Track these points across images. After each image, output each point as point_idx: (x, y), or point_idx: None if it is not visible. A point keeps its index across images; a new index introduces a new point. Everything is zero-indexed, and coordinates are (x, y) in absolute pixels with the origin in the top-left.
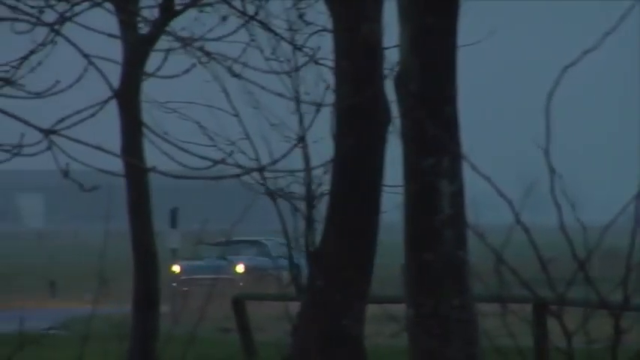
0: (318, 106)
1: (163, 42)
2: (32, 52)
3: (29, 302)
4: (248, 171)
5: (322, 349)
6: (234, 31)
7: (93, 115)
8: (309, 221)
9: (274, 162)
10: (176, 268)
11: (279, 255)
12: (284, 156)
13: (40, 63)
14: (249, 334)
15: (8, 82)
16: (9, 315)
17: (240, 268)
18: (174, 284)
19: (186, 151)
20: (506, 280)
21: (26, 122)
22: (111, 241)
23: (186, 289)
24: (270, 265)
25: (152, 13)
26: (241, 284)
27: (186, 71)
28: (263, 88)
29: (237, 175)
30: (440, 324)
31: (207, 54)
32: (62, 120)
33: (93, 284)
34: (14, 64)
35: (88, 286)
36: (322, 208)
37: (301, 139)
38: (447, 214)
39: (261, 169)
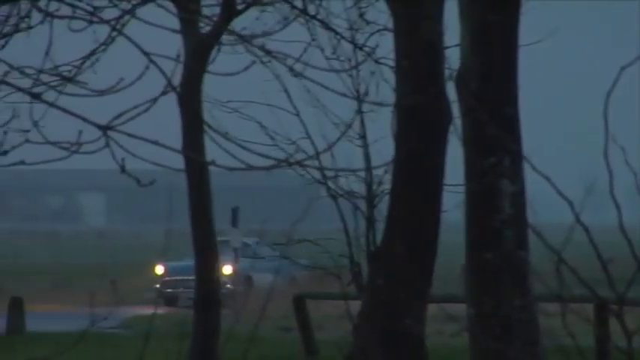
0: (379, 105)
1: (224, 40)
2: (94, 51)
3: (91, 301)
4: (301, 161)
5: (383, 348)
6: (281, 26)
7: (147, 109)
8: (370, 221)
9: (328, 149)
10: (159, 269)
11: (263, 256)
12: (333, 145)
13: (97, 59)
14: (310, 333)
15: (70, 80)
16: (70, 314)
17: (227, 270)
18: (157, 286)
19: (246, 148)
20: (566, 280)
21: (84, 119)
22: (172, 241)
23: (169, 290)
24: (254, 266)
25: (213, 11)
26: (228, 286)
27: (246, 68)
28: (326, 87)
29: (291, 164)
30: (501, 324)
31: (268, 52)
32: (119, 116)
33: (154, 283)
34: (76, 62)
35: (149, 285)
36: (383, 207)
37: (362, 138)
38: (508, 213)
39: (317, 158)
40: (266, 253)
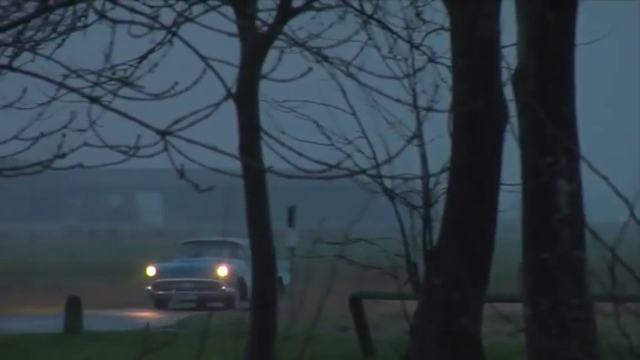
0: (435, 104)
1: (280, 42)
2: (150, 52)
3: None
4: (362, 171)
5: (440, 348)
6: (329, 22)
7: (207, 116)
8: (427, 220)
9: (389, 160)
10: (151, 271)
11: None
12: (398, 154)
13: (156, 64)
14: (367, 333)
15: (126, 83)
16: (126, 313)
17: (222, 271)
18: (148, 288)
19: (303, 155)
20: (623, 280)
21: (143, 123)
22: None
23: (162, 292)
24: (246, 269)
25: (270, 15)
26: (224, 288)
27: (302, 75)
28: (381, 93)
29: (352, 174)
30: (557, 323)
31: (324, 58)
32: (178, 121)
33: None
34: (132, 65)
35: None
36: (440, 207)
37: (417, 137)
38: (565, 213)
39: (376, 168)
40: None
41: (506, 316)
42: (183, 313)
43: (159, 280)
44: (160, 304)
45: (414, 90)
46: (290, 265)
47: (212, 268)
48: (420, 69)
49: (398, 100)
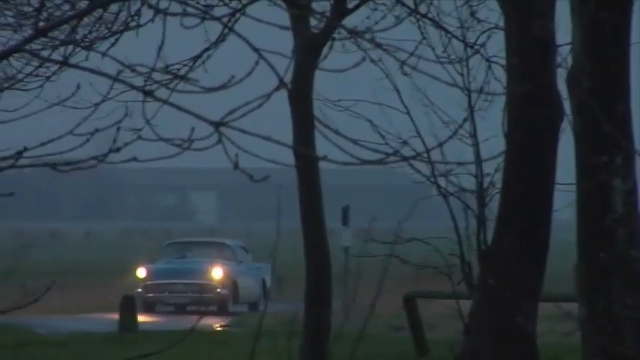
0: (489, 99)
1: (336, 35)
2: (205, 51)
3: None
4: (413, 157)
5: (495, 347)
6: (392, 24)
7: (260, 105)
8: (481, 219)
9: (439, 145)
10: (141, 272)
11: (242, 260)
12: (444, 142)
13: (209, 57)
14: (421, 333)
15: (182, 78)
16: (180, 312)
17: (217, 273)
18: (138, 290)
19: (357, 143)
20: None
21: (197, 115)
22: (283, 239)
23: (152, 295)
24: (238, 271)
25: (324, 8)
26: (219, 290)
27: (357, 65)
28: (437, 79)
29: (404, 159)
30: (612, 323)
31: (379, 45)
32: (231, 112)
33: (271, 281)
34: (187, 65)
35: None
36: (494, 206)
37: (471, 137)
38: (620, 212)
39: (427, 153)
40: (245, 258)
41: (561, 315)
42: (171, 316)
43: (149, 282)
44: (148, 307)
45: (468, 90)
46: (271, 268)
47: (206, 269)
48: (470, 56)
49: (454, 85)
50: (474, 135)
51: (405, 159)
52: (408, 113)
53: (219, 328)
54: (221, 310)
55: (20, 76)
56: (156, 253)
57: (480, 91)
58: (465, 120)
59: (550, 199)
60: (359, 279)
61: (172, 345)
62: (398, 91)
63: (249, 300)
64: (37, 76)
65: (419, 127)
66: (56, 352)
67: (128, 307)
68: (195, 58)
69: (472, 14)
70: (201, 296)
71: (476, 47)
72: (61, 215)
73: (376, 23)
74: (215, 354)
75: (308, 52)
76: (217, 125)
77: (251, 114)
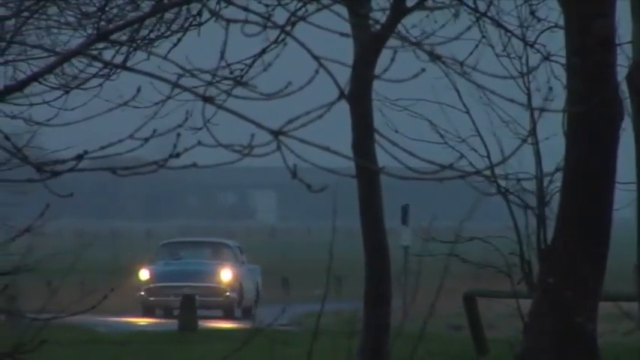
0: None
1: (393, 41)
2: (263, 52)
3: (264, 297)
4: (476, 172)
5: (555, 346)
6: (454, 31)
7: (320, 116)
8: (541, 219)
9: (503, 161)
10: (144, 274)
11: (243, 261)
12: (512, 153)
13: (270, 64)
14: (481, 332)
15: (240, 83)
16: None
17: (226, 275)
18: (141, 293)
19: (416, 156)
20: None
21: (256, 123)
22: (343, 238)
23: (154, 299)
24: (241, 271)
25: (383, 13)
26: (228, 294)
27: (416, 75)
28: (493, 92)
29: (465, 175)
30: None
31: (438, 57)
32: (291, 121)
33: (324, 281)
34: (246, 64)
35: (320, 283)
36: (554, 205)
37: (531, 136)
38: None
39: (490, 169)
40: (244, 260)
41: (621, 315)
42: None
43: (152, 285)
44: (147, 311)
45: (528, 89)
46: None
47: (214, 271)
48: (534, 68)
49: (511, 100)
50: (533, 134)
51: (463, 175)
52: (468, 112)
53: (280, 328)
54: (227, 315)
55: (82, 76)
56: (152, 254)
57: (543, 92)
58: (527, 135)
59: (611, 198)
60: (419, 278)
61: (239, 348)
62: (457, 90)
63: (249, 304)
64: (99, 76)
65: (478, 126)
66: (117, 351)
67: (188, 306)
68: (254, 58)
69: (532, 13)
70: (210, 300)
71: (536, 46)
72: (122, 215)
73: (435, 31)
74: (276, 353)
75: (367, 59)
76: (277, 134)
77: (311, 122)
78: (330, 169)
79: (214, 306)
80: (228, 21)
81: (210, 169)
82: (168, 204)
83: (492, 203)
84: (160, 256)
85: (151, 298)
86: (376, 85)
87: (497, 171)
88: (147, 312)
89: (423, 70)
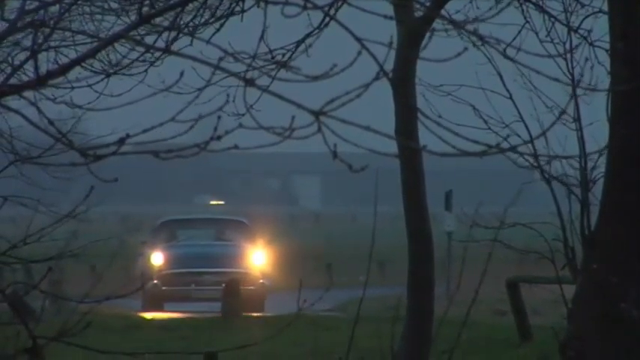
0: (594, 90)
1: (437, 24)
2: (307, 37)
3: (300, 284)
4: (516, 148)
5: (599, 332)
6: (494, 11)
7: (359, 95)
8: (585, 204)
9: (542, 133)
10: (156, 259)
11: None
12: (546, 130)
13: (310, 45)
14: (524, 318)
15: (284, 65)
16: (288, 296)
17: (259, 260)
18: (154, 282)
19: (458, 134)
20: None
21: (297, 104)
22: (388, 224)
23: (169, 288)
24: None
25: None
26: (262, 282)
27: (459, 54)
28: (537, 72)
29: (504, 151)
30: None
31: (481, 38)
32: (331, 101)
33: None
34: (289, 50)
35: (364, 269)
36: (598, 191)
37: (575, 121)
38: None
39: (531, 144)
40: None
41: None
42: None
43: (168, 272)
44: (156, 303)
45: (571, 72)
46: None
47: (244, 254)
48: (576, 47)
49: (555, 79)
50: (577, 120)
51: (504, 150)
52: (511, 98)
53: (322, 313)
54: (256, 308)
55: (125, 61)
56: (151, 235)
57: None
58: (562, 111)
59: None
60: (463, 264)
61: (279, 331)
62: (500, 75)
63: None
64: (142, 61)
65: (522, 112)
66: (161, 335)
67: (232, 291)
68: (298, 44)
69: None
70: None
71: (580, 32)
72: (166, 200)
73: (482, 9)
74: (319, 338)
75: (410, 41)
76: (317, 114)
77: (353, 102)
78: (372, 149)
79: (245, 297)
80: (267, 2)
81: (254, 155)
82: (211, 189)
83: (536, 189)
84: (161, 236)
85: (167, 288)
86: (419, 71)
87: (540, 152)
88: (154, 305)
89: (466, 49)
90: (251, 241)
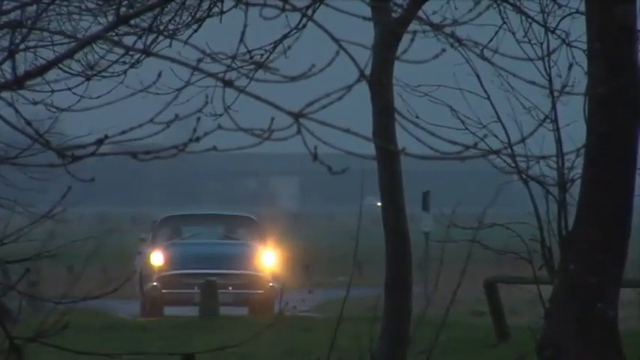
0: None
1: (414, 25)
2: (284, 38)
3: (282, 287)
4: (496, 151)
5: (576, 332)
6: (473, 15)
7: (340, 98)
8: (562, 205)
9: (522, 140)
10: (156, 258)
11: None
12: (531, 134)
13: (289, 47)
14: (502, 318)
15: (262, 66)
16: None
17: (269, 260)
18: (153, 284)
19: (437, 136)
20: None
21: (276, 106)
22: (365, 224)
23: (170, 291)
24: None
25: None
26: (272, 285)
27: (436, 56)
28: (515, 75)
29: (485, 154)
30: None
31: (458, 40)
32: (311, 104)
33: (347, 267)
34: (267, 50)
35: (342, 269)
36: (575, 191)
37: (552, 121)
38: None
39: (509, 147)
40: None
41: None
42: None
43: (168, 273)
44: (158, 308)
45: (549, 74)
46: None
47: (253, 254)
48: (554, 50)
49: (532, 82)
50: (554, 120)
51: (483, 154)
52: (489, 98)
53: (302, 314)
54: (263, 312)
55: (103, 63)
56: (151, 232)
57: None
58: (545, 118)
59: (632, 184)
60: (440, 264)
61: (257, 333)
62: (478, 76)
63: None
64: (121, 63)
65: (499, 112)
66: (138, 336)
67: (209, 291)
68: (276, 45)
69: None
70: (249, 294)
71: (557, 32)
72: (143, 202)
73: (459, 10)
74: (298, 339)
75: (387, 43)
76: (297, 116)
77: (331, 104)
78: (351, 152)
79: (255, 302)
80: (247, 4)
81: (231, 156)
82: (189, 190)
83: (514, 190)
84: (162, 235)
85: (167, 291)
86: (398, 72)
87: (519, 157)
88: (153, 309)
89: (444, 50)
90: (260, 239)
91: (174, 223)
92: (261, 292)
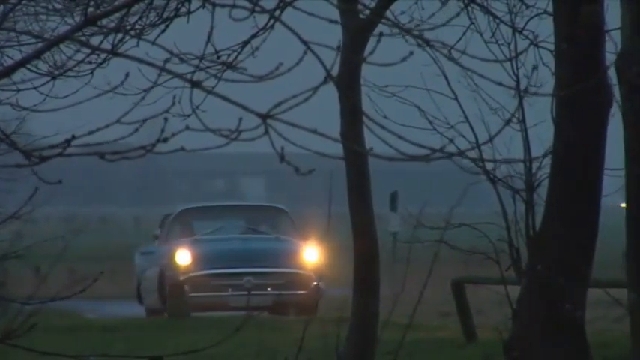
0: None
1: (382, 27)
2: (252, 38)
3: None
4: (463, 152)
5: (543, 333)
6: (443, 19)
7: (307, 99)
8: (529, 205)
9: (489, 140)
10: (182, 257)
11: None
12: (497, 134)
13: (257, 48)
14: (469, 318)
15: (230, 65)
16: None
17: (312, 256)
18: (183, 286)
19: (404, 139)
20: None
21: (244, 107)
22: (333, 224)
23: (200, 295)
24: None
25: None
26: (315, 284)
27: (404, 59)
28: (482, 76)
29: (452, 156)
30: None
31: (427, 42)
32: (278, 104)
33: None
34: (234, 50)
35: None
36: (542, 191)
37: (520, 122)
38: None
39: (477, 149)
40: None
41: (610, 302)
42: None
43: (197, 274)
44: (187, 313)
45: (516, 74)
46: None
47: (295, 250)
48: (522, 52)
49: (500, 84)
50: (522, 121)
51: (450, 156)
52: (457, 99)
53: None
54: (303, 313)
55: (70, 63)
56: (167, 228)
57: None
58: (509, 119)
59: (599, 185)
60: (408, 265)
61: (227, 337)
62: (446, 76)
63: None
64: (88, 62)
65: (467, 112)
66: (106, 337)
67: (177, 292)
68: (244, 45)
69: None
70: (291, 295)
71: (525, 33)
72: (111, 202)
73: (423, 12)
74: (266, 340)
75: (355, 44)
76: (264, 117)
77: (299, 105)
78: (318, 152)
79: (297, 304)
80: (214, 5)
81: (199, 156)
82: (157, 190)
83: (481, 190)
84: (182, 229)
85: (197, 295)
86: (365, 72)
87: (485, 156)
88: (179, 314)
89: (412, 53)
90: (296, 233)
91: (193, 217)
92: (303, 292)
